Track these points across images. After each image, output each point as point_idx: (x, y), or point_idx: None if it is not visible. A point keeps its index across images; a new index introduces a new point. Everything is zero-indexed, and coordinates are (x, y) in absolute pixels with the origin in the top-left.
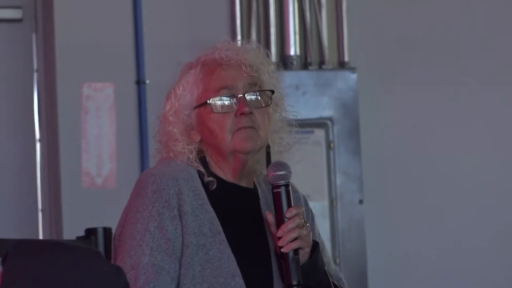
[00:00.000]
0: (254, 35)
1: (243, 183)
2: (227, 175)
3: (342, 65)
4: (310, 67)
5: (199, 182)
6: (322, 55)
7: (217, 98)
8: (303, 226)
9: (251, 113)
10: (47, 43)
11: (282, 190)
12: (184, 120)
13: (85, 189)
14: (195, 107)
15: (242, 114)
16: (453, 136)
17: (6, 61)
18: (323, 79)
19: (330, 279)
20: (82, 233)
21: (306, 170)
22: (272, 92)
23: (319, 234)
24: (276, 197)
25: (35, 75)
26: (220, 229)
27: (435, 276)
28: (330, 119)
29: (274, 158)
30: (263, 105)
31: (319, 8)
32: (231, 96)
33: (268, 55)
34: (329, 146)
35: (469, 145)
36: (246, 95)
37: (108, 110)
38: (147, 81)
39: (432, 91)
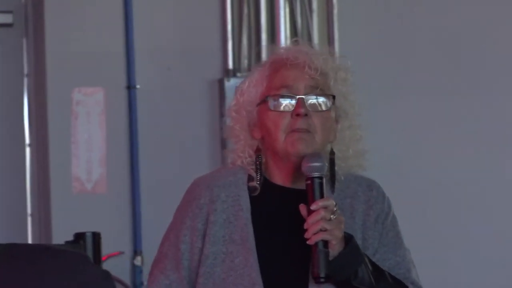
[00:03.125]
0: (245, 41)
1: (300, 186)
2: (281, 177)
3: None
4: None
5: (244, 187)
6: None
7: (276, 96)
8: (329, 219)
9: (306, 115)
10: (37, 47)
11: (315, 182)
12: (247, 116)
13: (75, 194)
14: (258, 104)
15: (297, 115)
16: (446, 140)
17: None
18: None
19: (370, 273)
20: (71, 238)
21: None
22: (334, 97)
23: (396, 237)
24: (308, 189)
25: (26, 79)
26: (250, 236)
27: (437, 278)
28: None
29: (339, 166)
30: (323, 109)
31: (310, 13)
32: (290, 96)
33: (346, 64)
34: None
35: (463, 148)
36: (305, 97)
37: (98, 115)
38: (138, 86)
39: (423, 97)
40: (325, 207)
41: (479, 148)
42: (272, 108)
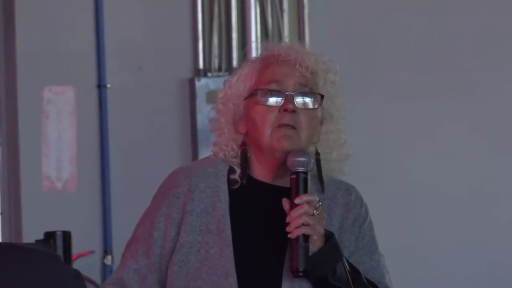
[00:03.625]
0: (216, 40)
1: (280, 183)
2: (263, 173)
3: None
4: None
5: (224, 179)
6: None
7: (265, 91)
8: (312, 214)
9: (294, 111)
10: (8, 46)
11: (300, 176)
12: (233, 110)
13: (45, 193)
14: (246, 98)
15: (285, 110)
16: (416, 143)
17: None
18: None
19: (347, 272)
20: (41, 237)
21: None
22: (322, 96)
23: (372, 241)
24: (293, 183)
25: None
26: (227, 228)
27: (427, 280)
28: None
29: (323, 167)
30: (310, 107)
31: (281, 13)
32: (279, 91)
33: (335, 67)
34: None
35: (431, 153)
36: (294, 93)
37: (69, 114)
38: (108, 85)
39: (393, 98)
40: (308, 202)
41: (461, 149)
42: (260, 102)
